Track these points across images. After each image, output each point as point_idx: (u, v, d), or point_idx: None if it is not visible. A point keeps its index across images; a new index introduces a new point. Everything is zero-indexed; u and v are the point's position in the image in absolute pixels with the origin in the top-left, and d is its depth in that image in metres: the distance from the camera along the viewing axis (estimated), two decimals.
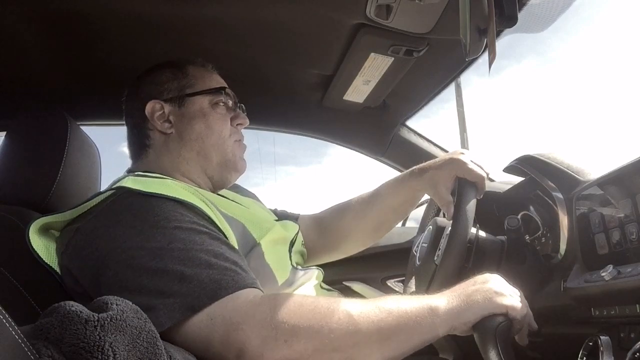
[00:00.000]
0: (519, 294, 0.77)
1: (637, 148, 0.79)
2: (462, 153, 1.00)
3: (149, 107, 0.95)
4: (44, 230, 0.83)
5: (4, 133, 0.98)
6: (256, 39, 1.13)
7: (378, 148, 1.60)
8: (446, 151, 1.52)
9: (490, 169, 1.01)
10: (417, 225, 1.48)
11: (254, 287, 0.73)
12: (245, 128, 1.05)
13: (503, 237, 0.97)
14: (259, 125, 1.52)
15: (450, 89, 2.63)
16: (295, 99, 1.45)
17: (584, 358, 0.76)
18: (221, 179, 0.99)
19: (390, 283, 1.65)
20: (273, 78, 1.34)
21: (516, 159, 1.07)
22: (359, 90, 1.34)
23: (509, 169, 1.10)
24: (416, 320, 0.71)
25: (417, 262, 1.03)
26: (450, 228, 0.90)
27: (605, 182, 0.82)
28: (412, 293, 1.03)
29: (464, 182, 0.94)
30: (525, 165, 1.03)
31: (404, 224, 1.88)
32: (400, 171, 1.32)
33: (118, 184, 0.82)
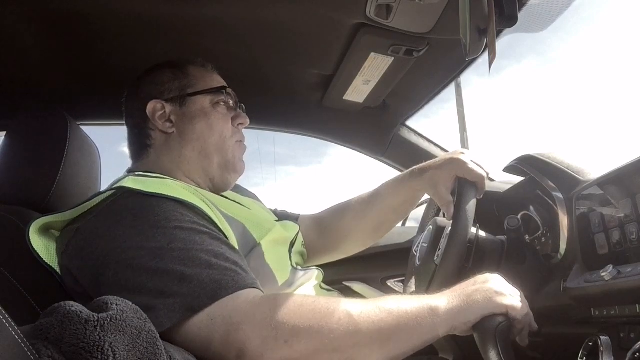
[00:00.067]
0: (519, 293, 0.77)
1: (637, 148, 0.79)
2: (462, 153, 1.00)
3: (150, 106, 0.95)
4: (44, 230, 0.83)
5: (4, 133, 0.98)
6: (256, 39, 1.13)
7: (378, 148, 1.59)
8: (446, 151, 1.52)
9: (490, 169, 1.01)
10: (417, 225, 1.48)
11: (254, 288, 0.73)
12: (246, 128, 1.05)
13: (503, 237, 0.97)
14: (259, 125, 1.52)
15: (450, 89, 2.64)
16: (295, 99, 1.45)
17: (584, 358, 0.76)
18: (222, 180, 0.99)
19: (390, 283, 1.64)
20: (273, 78, 1.34)
21: (516, 159, 1.07)
22: (359, 90, 1.34)
23: (509, 169, 1.10)
24: (416, 320, 0.71)
25: (417, 262, 1.03)
26: (450, 228, 0.90)
27: (605, 182, 0.82)
28: (412, 293, 1.03)
29: (464, 182, 0.94)
30: (525, 165, 1.03)
31: (404, 224, 1.88)
32: (400, 171, 1.32)
33: (118, 184, 0.82)
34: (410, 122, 1.55)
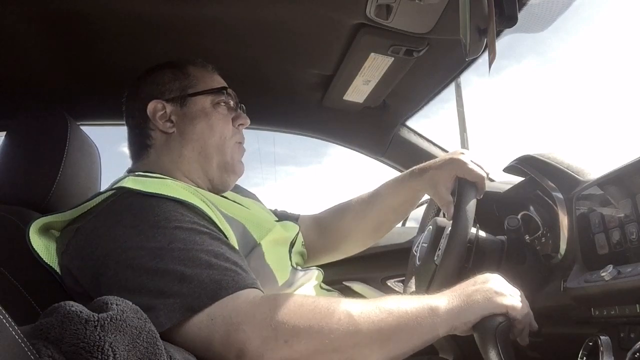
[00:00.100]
0: (519, 293, 0.77)
1: (637, 148, 0.79)
2: (462, 153, 1.00)
3: (150, 106, 0.95)
4: (44, 230, 0.83)
5: (4, 133, 0.98)
6: (256, 39, 1.13)
7: (378, 148, 1.60)
8: (446, 151, 1.52)
9: (490, 169, 1.01)
10: (417, 225, 1.48)
11: (254, 288, 0.73)
12: (246, 128, 1.05)
13: (503, 237, 0.97)
14: (259, 125, 1.52)
15: (450, 89, 2.64)
16: (295, 99, 1.45)
17: (584, 358, 0.75)
18: (221, 181, 0.99)
19: (390, 283, 1.64)
20: (273, 78, 1.34)
21: (516, 159, 1.07)
22: (359, 90, 1.34)
23: (509, 169, 1.10)
24: (416, 320, 0.71)
25: (417, 262, 1.03)
26: (450, 228, 0.90)
27: (605, 182, 0.82)
28: (412, 293, 1.03)
29: (464, 182, 0.94)
30: (525, 165, 1.03)
31: (404, 224, 1.88)
32: (400, 171, 1.32)
33: (118, 184, 0.82)
34: (410, 122, 1.55)
